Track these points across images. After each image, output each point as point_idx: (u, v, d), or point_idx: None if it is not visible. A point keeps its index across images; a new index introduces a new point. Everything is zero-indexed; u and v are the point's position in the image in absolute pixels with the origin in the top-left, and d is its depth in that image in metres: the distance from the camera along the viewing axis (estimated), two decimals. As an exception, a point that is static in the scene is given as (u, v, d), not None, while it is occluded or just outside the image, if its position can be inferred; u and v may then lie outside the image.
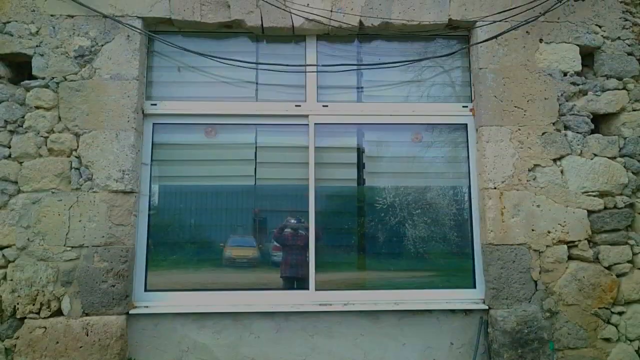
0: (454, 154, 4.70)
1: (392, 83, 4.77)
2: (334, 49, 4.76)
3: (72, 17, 4.43)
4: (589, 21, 4.59)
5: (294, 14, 4.51)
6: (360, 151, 4.72)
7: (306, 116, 4.62)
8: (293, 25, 4.54)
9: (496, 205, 4.33)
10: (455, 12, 4.57)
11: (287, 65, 4.56)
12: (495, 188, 4.35)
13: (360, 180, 4.69)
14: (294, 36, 4.72)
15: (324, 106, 4.63)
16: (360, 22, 4.55)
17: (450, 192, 4.69)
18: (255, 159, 4.63)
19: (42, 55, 4.37)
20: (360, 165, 4.69)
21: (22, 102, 4.32)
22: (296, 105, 4.63)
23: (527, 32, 4.53)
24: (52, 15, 4.42)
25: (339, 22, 4.53)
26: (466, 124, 4.66)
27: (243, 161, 4.65)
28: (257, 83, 4.72)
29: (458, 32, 4.75)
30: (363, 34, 4.74)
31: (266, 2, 4.48)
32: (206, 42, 4.72)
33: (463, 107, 4.68)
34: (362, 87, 4.79)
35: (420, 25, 4.60)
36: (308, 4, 4.51)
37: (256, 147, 4.64)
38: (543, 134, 4.42)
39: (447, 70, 4.79)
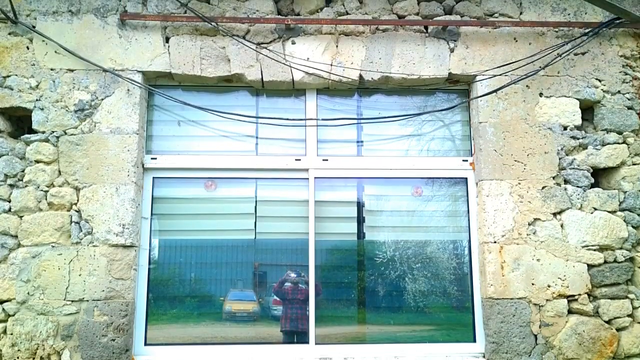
0: (454, 207, 4.87)
1: (392, 137, 4.95)
2: (334, 102, 4.94)
3: (72, 71, 4.59)
4: (589, 75, 4.76)
5: (294, 68, 4.68)
6: (360, 205, 4.89)
7: (306, 170, 4.79)
8: (293, 79, 4.71)
9: (496, 259, 4.48)
10: (455, 66, 4.74)
11: (287, 119, 4.72)
12: (495, 242, 4.51)
13: (360, 234, 4.85)
14: (294, 90, 4.90)
15: (324, 160, 4.80)
16: (360, 76, 4.73)
17: (450, 246, 4.86)
18: (255, 213, 4.80)
19: (42, 109, 4.53)
20: (360, 219, 4.86)
21: (22, 156, 4.49)
22: (296, 160, 4.80)
23: (527, 86, 4.70)
24: (52, 69, 4.58)
25: (339, 76, 4.71)
26: (466, 178, 4.82)
27: (243, 215, 4.81)
28: (257, 137, 4.89)
29: (458, 86, 4.93)
30: (363, 88, 4.92)
31: (266, 56, 4.64)
32: (206, 96, 4.90)
33: (463, 161, 4.85)
34: (362, 141, 4.97)
35: (420, 80, 4.77)
36: (308, 58, 4.68)
37: (256, 201, 4.81)
38: (543, 188, 4.58)
39: (447, 124, 4.97)
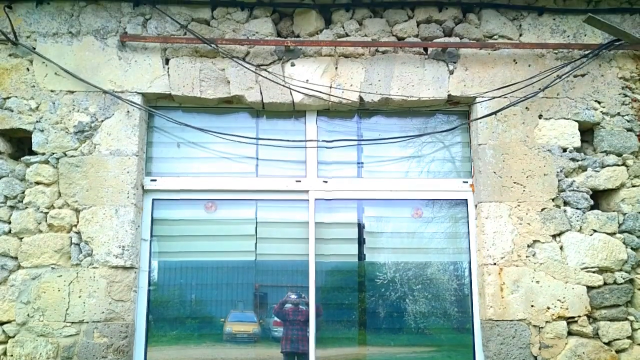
0: (454, 229, 4.92)
1: (392, 158, 5.00)
2: (334, 124, 4.99)
3: (72, 92, 4.64)
4: (589, 97, 4.80)
5: (293, 89, 4.73)
6: (360, 226, 4.93)
7: (306, 192, 4.83)
8: (293, 101, 4.76)
9: (495, 281, 4.52)
10: (454, 88, 4.79)
11: (287, 140, 4.80)
12: (494, 264, 4.55)
13: (361, 255, 4.89)
14: (294, 112, 4.95)
15: (324, 182, 4.85)
16: (360, 98, 4.78)
17: (451, 268, 4.92)
18: (256, 235, 4.84)
19: (42, 131, 4.57)
20: (360, 241, 4.90)
21: (22, 178, 4.52)
22: (296, 181, 4.85)
23: (526, 108, 4.75)
24: (52, 91, 4.63)
25: (339, 97, 4.75)
26: (466, 200, 4.86)
27: (243, 237, 4.85)
28: (257, 158, 4.94)
29: (458, 108, 4.98)
30: (363, 110, 4.97)
31: (266, 78, 4.69)
32: (206, 117, 4.95)
33: (463, 182, 4.89)
34: (362, 163, 5.02)
35: (420, 101, 4.81)
36: (307, 80, 4.74)
37: (256, 223, 4.85)
38: (542, 210, 4.61)
39: (447, 146, 5.03)
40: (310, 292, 4.68)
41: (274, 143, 4.82)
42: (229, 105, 4.91)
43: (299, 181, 4.83)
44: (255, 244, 4.82)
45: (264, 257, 4.82)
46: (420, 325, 4.78)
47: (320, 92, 4.73)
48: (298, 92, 4.73)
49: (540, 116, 4.75)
